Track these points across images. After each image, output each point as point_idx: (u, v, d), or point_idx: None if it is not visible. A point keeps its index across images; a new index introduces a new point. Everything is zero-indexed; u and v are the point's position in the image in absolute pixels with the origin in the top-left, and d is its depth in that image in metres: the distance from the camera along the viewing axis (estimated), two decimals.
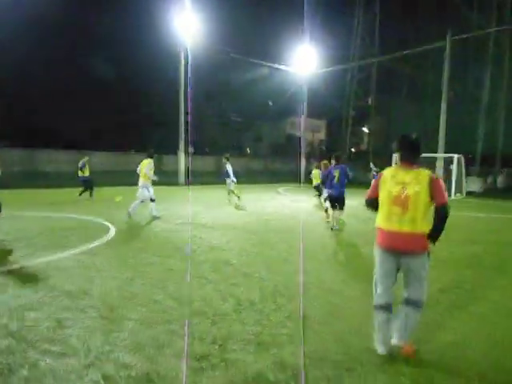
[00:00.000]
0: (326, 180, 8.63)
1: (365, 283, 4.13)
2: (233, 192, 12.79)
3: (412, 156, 2.96)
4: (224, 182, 13.12)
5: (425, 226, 2.83)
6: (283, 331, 3.35)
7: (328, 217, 9.09)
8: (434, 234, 2.83)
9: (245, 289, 4.43)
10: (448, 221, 2.81)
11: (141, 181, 8.92)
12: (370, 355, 2.93)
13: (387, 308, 2.96)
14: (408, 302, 2.93)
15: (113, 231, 7.52)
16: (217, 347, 3.01)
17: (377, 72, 34.38)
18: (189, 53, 20.42)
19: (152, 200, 9.09)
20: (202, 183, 22.19)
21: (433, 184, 2.80)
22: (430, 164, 22.19)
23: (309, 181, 15.61)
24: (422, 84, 32.42)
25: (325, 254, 6.40)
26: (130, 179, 20.74)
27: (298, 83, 28.08)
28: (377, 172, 9.03)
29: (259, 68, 27.24)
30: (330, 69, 28.50)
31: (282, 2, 35.46)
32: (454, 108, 25.45)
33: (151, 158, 9.10)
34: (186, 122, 22.02)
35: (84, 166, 13.19)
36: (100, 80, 27.60)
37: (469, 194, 20.60)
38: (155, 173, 9.14)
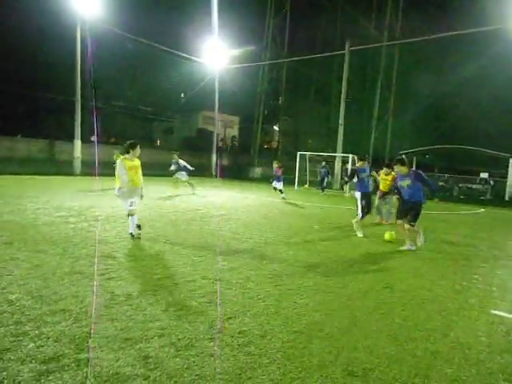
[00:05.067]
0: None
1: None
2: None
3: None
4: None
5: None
6: (154, 325, 3.21)
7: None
8: None
9: (123, 283, 4.15)
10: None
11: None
12: None
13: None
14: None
15: None
16: (72, 347, 2.73)
17: (286, 73, 35.97)
18: (87, 31, 18.55)
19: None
20: (104, 174, 20.53)
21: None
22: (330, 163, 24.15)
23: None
24: (327, 87, 34.87)
25: (219, 247, 6.40)
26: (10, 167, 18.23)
27: (210, 77, 27.84)
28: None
29: (169, 57, 26.23)
30: (242, 65, 28.87)
31: None
32: (353, 112, 28.02)
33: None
34: (83, 108, 20.02)
35: None
36: None
37: None
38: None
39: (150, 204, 10.88)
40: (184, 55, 25.53)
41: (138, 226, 6.55)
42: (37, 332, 2.91)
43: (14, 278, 4.03)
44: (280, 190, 14.68)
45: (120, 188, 6.29)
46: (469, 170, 25.78)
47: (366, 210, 7.98)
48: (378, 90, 30.20)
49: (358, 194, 8.08)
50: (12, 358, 2.56)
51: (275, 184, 14.74)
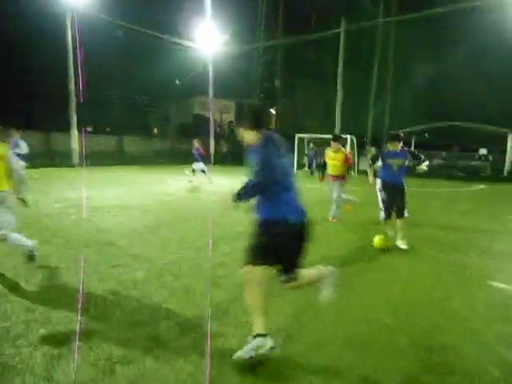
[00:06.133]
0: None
1: None
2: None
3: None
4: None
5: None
6: (164, 306, 3.29)
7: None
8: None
9: (128, 269, 4.22)
10: None
11: None
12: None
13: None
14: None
15: None
16: (84, 331, 2.81)
17: (282, 55, 35.39)
18: (76, 18, 18.16)
19: None
20: (103, 164, 20.50)
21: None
22: (327, 144, 24.03)
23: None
24: (323, 67, 34.31)
25: (220, 231, 6.44)
26: None
27: (203, 62, 27.42)
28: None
29: (163, 44, 25.80)
30: (236, 49, 28.39)
31: None
32: (350, 92, 27.70)
33: None
34: (78, 98, 19.78)
35: None
36: None
37: (361, 172, 22.84)
38: None
39: (148, 191, 10.94)
40: (177, 41, 25.10)
41: (31, 256, 4.07)
42: (46, 317, 2.99)
43: (22, 270, 4.08)
44: (203, 171, 13.07)
45: None
46: (468, 147, 25.74)
47: (390, 207, 5.62)
48: (375, 68, 29.80)
49: (378, 182, 5.79)
50: (24, 343, 2.64)
51: (195, 165, 13.06)
